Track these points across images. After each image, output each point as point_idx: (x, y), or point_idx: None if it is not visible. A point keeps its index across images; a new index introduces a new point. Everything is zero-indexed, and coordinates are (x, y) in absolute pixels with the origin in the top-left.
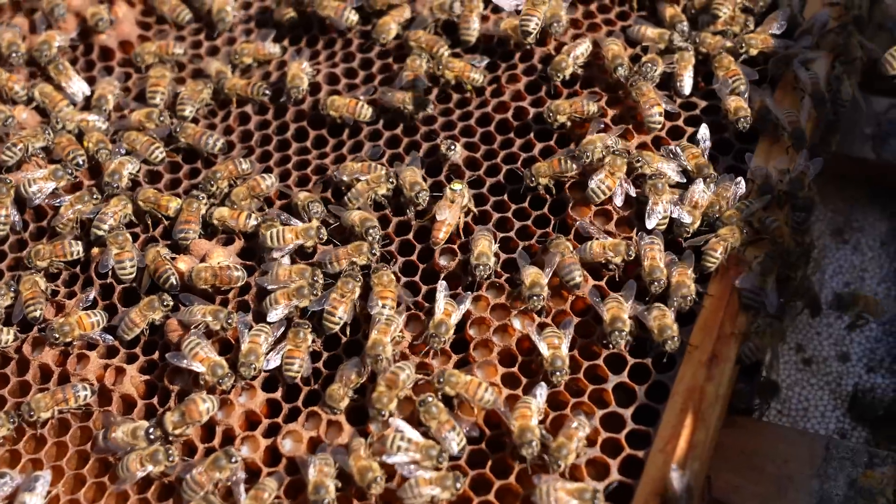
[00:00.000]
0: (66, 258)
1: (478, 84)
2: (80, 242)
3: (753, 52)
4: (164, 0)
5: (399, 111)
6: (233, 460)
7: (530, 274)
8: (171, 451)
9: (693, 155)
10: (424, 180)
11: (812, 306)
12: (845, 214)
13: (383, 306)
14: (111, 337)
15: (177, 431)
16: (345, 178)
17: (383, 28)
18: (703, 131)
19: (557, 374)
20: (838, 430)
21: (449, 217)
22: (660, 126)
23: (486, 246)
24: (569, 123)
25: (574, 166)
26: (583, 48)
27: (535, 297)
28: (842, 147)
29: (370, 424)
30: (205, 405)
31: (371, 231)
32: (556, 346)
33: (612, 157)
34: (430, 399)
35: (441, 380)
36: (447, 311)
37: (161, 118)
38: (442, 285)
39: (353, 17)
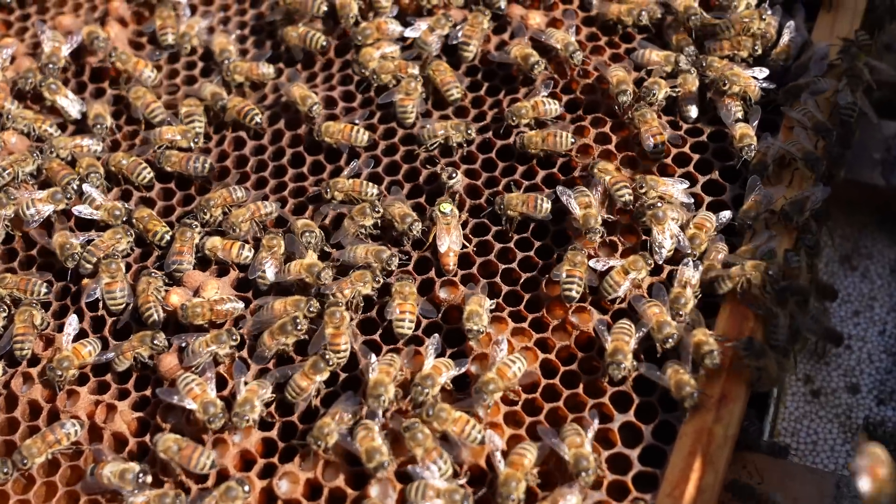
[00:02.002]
0: (28, 295)
1: (452, 98)
2: (46, 285)
3: (736, 88)
4: (160, 15)
5: (445, 141)
6: (245, 489)
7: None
8: (180, 497)
9: (701, 226)
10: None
11: (832, 339)
12: (853, 241)
13: (401, 319)
14: (112, 355)
15: (163, 456)
16: (336, 197)
17: (364, 58)
18: (726, 213)
19: (583, 474)
20: (848, 465)
21: (451, 243)
22: (662, 156)
23: (476, 304)
24: (542, 154)
25: (547, 208)
26: (552, 107)
27: (483, 396)
28: (850, 172)
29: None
30: (202, 457)
31: (391, 260)
32: (577, 444)
33: (597, 172)
34: (416, 425)
35: (430, 413)
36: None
37: (196, 139)
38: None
39: (321, 38)
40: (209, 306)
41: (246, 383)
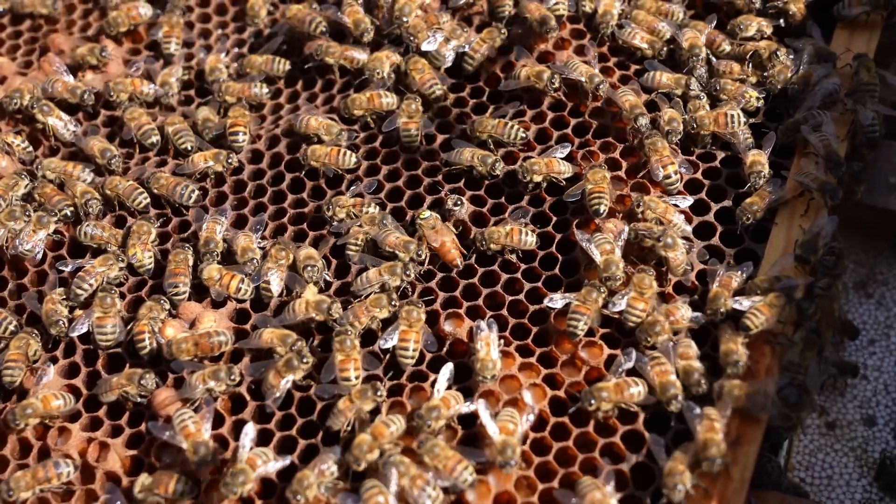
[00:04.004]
0: None
1: (434, 97)
2: (13, 324)
3: (705, 132)
4: (168, 21)
5: (469, 170)
6: None
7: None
8: None
9: (675, 318)
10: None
11: (847, 372)
12: (868, 267)
13: (404, 347)
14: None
15: (140, 496)
16: (336, 214)
17: (375, 63)
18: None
19: None
20: (865, 500)
21: (444, 238)
22: (673, 185)
23: (486, 343)
24: (544, 183)
25: (532, 241)
26: (517, 133)
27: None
28: (865, 197)
29: None
30: (176, 485)
31: (407, 270)
32: (599, 499)
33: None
34: (394, 458)
35: (421, 445)
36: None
37: (229, 160)
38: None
39: (284, 65)
40: (193, 341)
41: (248, 436)
